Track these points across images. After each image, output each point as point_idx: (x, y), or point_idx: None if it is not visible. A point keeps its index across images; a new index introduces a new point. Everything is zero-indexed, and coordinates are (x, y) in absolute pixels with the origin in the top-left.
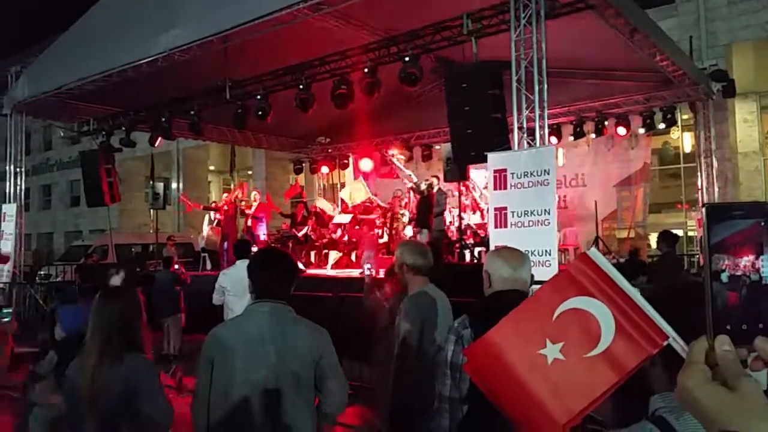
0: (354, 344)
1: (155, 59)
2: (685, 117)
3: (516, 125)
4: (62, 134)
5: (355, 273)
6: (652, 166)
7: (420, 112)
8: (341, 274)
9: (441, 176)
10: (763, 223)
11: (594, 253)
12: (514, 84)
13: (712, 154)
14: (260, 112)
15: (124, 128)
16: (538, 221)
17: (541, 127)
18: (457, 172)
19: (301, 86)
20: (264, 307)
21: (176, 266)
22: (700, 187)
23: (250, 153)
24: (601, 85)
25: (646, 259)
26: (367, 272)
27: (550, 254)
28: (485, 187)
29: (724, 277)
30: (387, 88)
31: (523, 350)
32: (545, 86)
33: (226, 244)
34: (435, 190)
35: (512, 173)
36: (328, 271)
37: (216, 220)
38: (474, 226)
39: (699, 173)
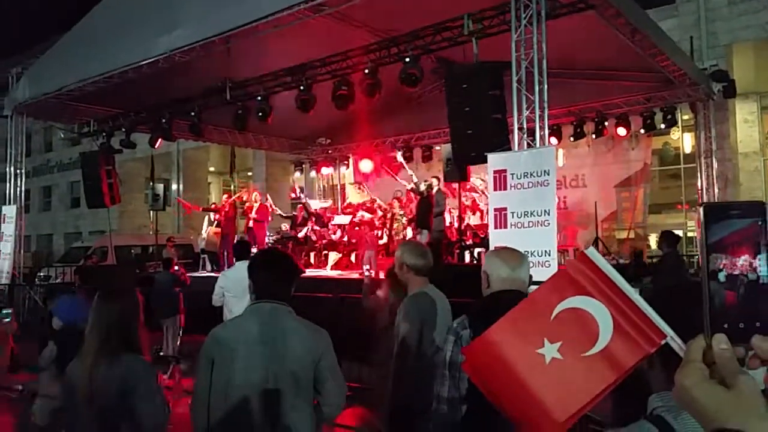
0: (354, 345)
1: (156, 60)
2: (685, 117)
3: (516, 126)
4: (62, 135)
5: (354, 274)
6: (652, 167)
7: (420, 112)
8: (341, 275)
9: (441, 177)
10: (760, 223)
11: (592, 253)
12: (515, 84)
13: (713, 154)
14: (261, 113)
15: (124, 129)
16: (538, 222)
17: (541, 128)
18: (458, 172)
19: (301, 87)
20: (264, 307)
21: (176, 267)
22: (700, 187)
23: (250, 154)
24: (601, 86)
25: (646, 260)
26: (366, 273)
27: (549, 255)
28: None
29: (721, 276)
30: (387, 89)
31: (522, 349)
32: (545, 86)
33: (225, 245)
34: (434, 190)
35: (512, 174)
36: (328, 272)
37: (216, 222)
38: (474, 227)
39: (699, 174)
